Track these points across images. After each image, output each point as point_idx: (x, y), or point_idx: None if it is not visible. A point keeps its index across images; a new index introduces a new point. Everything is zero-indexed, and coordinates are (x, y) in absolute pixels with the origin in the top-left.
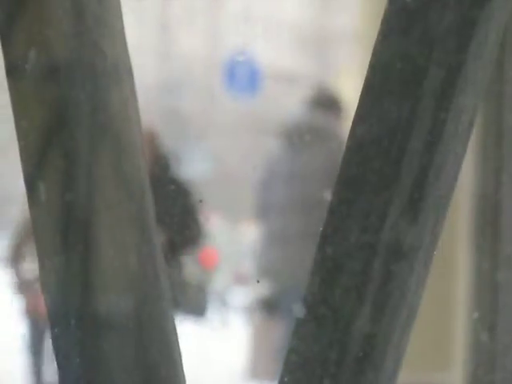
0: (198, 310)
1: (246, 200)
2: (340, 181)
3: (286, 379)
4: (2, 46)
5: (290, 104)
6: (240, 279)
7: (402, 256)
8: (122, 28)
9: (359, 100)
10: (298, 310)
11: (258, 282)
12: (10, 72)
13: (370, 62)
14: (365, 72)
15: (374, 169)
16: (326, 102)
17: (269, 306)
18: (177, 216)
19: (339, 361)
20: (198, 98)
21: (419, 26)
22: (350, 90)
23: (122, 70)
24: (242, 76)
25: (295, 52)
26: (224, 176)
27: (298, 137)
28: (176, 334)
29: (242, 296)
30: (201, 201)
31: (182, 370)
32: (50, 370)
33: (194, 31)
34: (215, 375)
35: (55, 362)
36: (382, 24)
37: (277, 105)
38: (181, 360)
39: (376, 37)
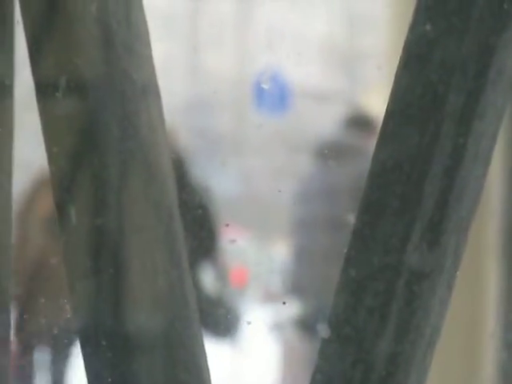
0: (227, 329)
1: (277, 219)
2: (363, 204)
3: None
4: (32, 70)
5: (320, 122)
6: (270, 298)
7: (424, 277)
8: (150, 54)
9: (382, 125)
10: (323, 331)
11: (284, 303)
12: (40, 97)
13: (392, 89)
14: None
15: (396, 193)
16: (360, 122)
17: (299, 325)
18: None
19: (363, 380)
20: (228, 117)
21: (439, 54)
22: (378, 107)
23: (150, 96)
24: (272, 94)
25: (324, 70)
26: (254, 194)
27: (331, 155)
28: (205, 354)
29: (272, 315)
30: (227, 225)
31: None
32: None
33: (223, 50)
34: None
35: (86, 382)
36: (403, 52)
37: (306, 123)
38: (210, 380)
39: (398, 64)
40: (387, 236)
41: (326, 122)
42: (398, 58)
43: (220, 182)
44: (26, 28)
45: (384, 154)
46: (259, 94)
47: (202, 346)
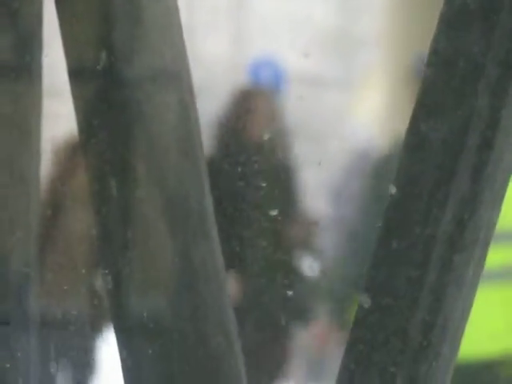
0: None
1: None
2: (402, 176)
3: (352, 367)
4: (65, 48)
5: (315, 106)
6: None
7: (460, 248)
8: (180, 30)
9: (418, 98)
10: (363, 300)
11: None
12: (73, 74)
13: (429, 61)
14: (389, 74)
15: (435, 164)
16: None
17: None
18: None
19: (402, 348)
20: (223, 100)
21: (478, 26)
22: (375, 91)
23: (181, 71)
24: (266, 78)
25: (320, 55)
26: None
27: None
28: (235, 331)
29: None
30: None
31: (242, 362)
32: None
33: (218, 34)
34: None
35: (120, 358)
36: (441, 23)
37: (301, 107)
38: (240, 354)
39: (433, 36)
40: (427, 207)
41: (321, 107)
42: (395, 41)
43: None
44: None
45: (424, 126)
46: (254, 79)
47: (233, 320)
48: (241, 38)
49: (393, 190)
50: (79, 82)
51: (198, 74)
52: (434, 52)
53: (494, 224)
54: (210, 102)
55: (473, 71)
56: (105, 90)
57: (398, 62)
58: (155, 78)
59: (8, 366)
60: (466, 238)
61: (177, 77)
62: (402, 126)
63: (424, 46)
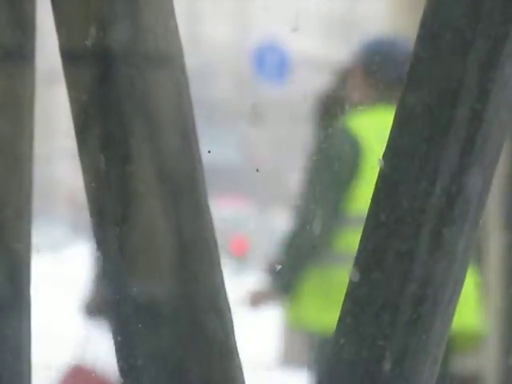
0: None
1: (277, 187)
2: (391, 149)
3: (341, 341)
4: (59, 37)
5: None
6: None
7: (451, 221)
8: (172, 6)
9: (409, 71)
10: (353, 274)
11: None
12: (66, 63)
13: (419, 34)
14: None
15: (424, 137)
16: None
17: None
18: None
19: (392, 322)
20: (228, 85)
21: (466, 1)
22: None
23: (173, 54)
24: (272, 62)
25: (324, 38)
26: (254, 163)
27: None
28: (228, 303)
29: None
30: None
31: (235, 339)
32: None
33: (223, 18)
34: (247, 363)
35: (112, 333)
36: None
37: (306, 91)
38: (233, 330)
39: (424, 9)
40: (416, 180)
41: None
42: (398, 24)
43: (220, 149)
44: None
45: (412, 99)
46: (259, 62)
47: (226, 296)
48: (245, 24)
49: (382, 163)
50: (71, 59)
51: (203, 59)
52: (423, 25)
53: (485, 198)
54: (214, 87)
55: (461, 44)
56: (97, 67)
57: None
58: (148, 55)
59: None
60: (455, 212)
61: (169, 54)
62: None
63: None
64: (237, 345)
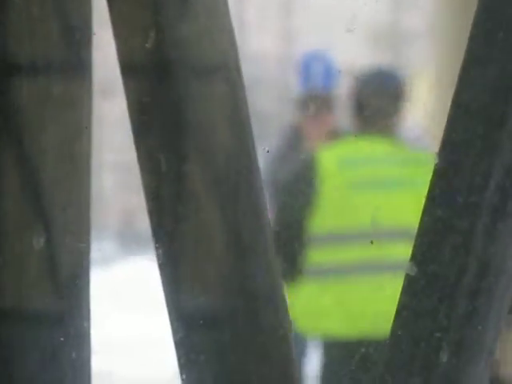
0: None
1: None
2: (446, 145)
3: (399, 334)
4: (115, 32)
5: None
6: None
7: (505, 215)
8: (228, 12)
9: (462, 69)
10: (409, 268)
11: None
12: (123, 56)
13: (472, 33)
14: (438, 67)
15: (479, 133)
16: None
17: None
18: None
19: (449, 315)
20: (274, 96)
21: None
22: (424, 85)
23: (229, 54)
24: (318, 73)
25: (370, 49)
26: None
27: None
28: (286, 304)
29: None
30: (268, 151)
31: (292, 338)
32: None
33: (268, 29)
34: None
35: (172, 331)
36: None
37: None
38: (291, 330)
39: (476, 9)
40: (471, 175)
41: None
42: (444, 35)
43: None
44: None
45: (466, 96)
46: (305, 73)
47: (283, 293)
48: (291, 34)
49: (437, 159)
50: (130, 62)
51: (249, 70)
52: (476, 25)
53: None
54: (261, 98)
55: None
56: (155, 70)
57: (449, 55)
58: (204, 58)
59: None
60: (509, 206)
61: (225, 57)
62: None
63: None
64: (293, 345)
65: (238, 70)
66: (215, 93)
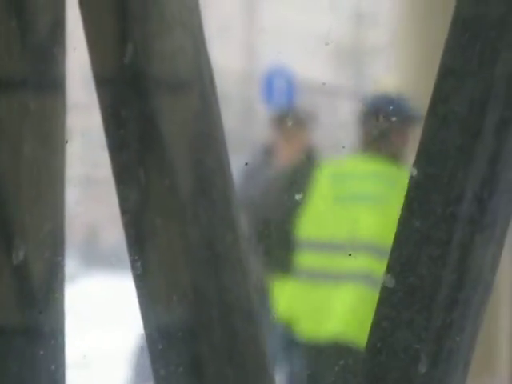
0: None
1: None
2: (422, 156)
3: (378, 345)
4: (89, 46)
5: (327, 116)
6: None
7: (482, 227)
8: (201, 24)
9: (437, 80)
10: (388, 280)
11: None
12: (98, 69)
13: (447, 44)
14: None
15: (455, 144)
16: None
17: None
18: None
19: (427, 326)
20: (236, 112)
21: (495, 13)
22: None
23: (202, 65)
24: (279, 89)
25: (331, 64)
26: None
27: None
28: (259, 316)
29: None
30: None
31: (267, 348)
32: None
33: (230, 45)
34: None
35: (147, 341)
36: (457, 9)
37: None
38: (265, 339)
39: (451, 22)
40: (448, 186)
41: (332, 115)
42: (405, 51)
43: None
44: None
45: (443, 108)
46: (267, 89)
47: (257, 308)
48: (254, 50)
49: (414, 171)
50: (104, 76)
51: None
52: (452, 37)
53: (511, 211)
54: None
55: (490, 55)
56: (129, 83)
57: (411, 70)
58: (178, 72)
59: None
60: (486, 218)
61: (199, 72)
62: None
63: (436, 55)
64: (269, 354)
65: (212, 84)
66: (190, 107)
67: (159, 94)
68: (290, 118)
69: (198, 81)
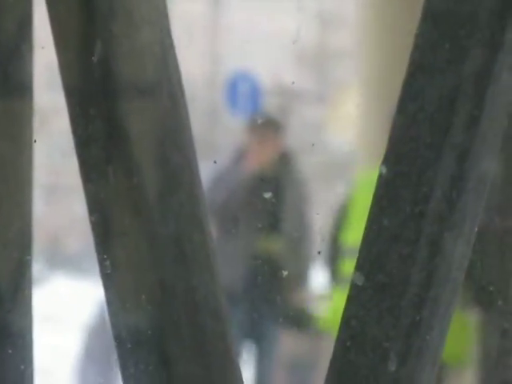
0: None
1: None
2: (391, 155)
3: (348, 344)
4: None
5: (293, 120)
6: None
7: (450, 225)
8: (168, 25)
9: (406, 78)
10: (357, 278)
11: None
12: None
13: (416, 43)
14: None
15: (425, 142)
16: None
17: None
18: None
19: (396, 324)
20: (200, 117)
21: (466, 9)
22: (350, 104)
23: (170, 66)
24: (243, 94)
25: (296, 69)
26: None
27: None
28: (228, 315)
29: None
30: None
31: (235, 349)
32: None
33: (194, 50)
34: None
35: (116, 342)
36: (426, 6)
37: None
38: (233, 341)
39: (420, 18)
40: (417, 185)
41: (297, 119)
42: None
43: None
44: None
45: (412, 106)
46: (231, 94)
47: (225, 307)
48: (217, 55)
49: (383, 169)
50: (72, 77)
51: None
52: (421, 35)
53: (479, 209)
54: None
55: (459, 53)
56: (98, 83)
57: (373, 75)
58: (146, 72)
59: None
60: (455, 216)
61: (167, 72)
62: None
63: (399, 58)
64: (236, 352)
65: (179, 84)
66: (158, 107)
67: (127, 93)
68: (263, 122)
69: (166, 80)
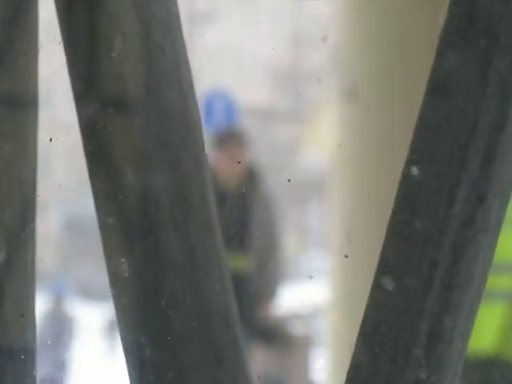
0: None
1: None
2: (425, 156)
3: (376, 350)
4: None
5: (267, 138)
6: None
7: (473, 232)
8: (180, 27)
9: (429, 86)
10: (387, 283)
11: None
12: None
13: (435, 64)
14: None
15: (459, 144)
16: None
17: None
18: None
19: (430, 331)
20: None
21: (483, 38)
22: (324, 123)
23: (181, 68)
24: (219, 112)
25: (271, 87)
26: None
27: None
28: (239, 327)
29: None
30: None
31: (245, 355)
32: None
33: None
34: None
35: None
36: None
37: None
38: (244, 347)
39: (439, 41)
40: (450, 187)
41: (272, 137)
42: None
43: None
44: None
45: (435, 112)
46: (206, 111)
47: (236, 316)
48: (194, 73)
49: (414, 171)
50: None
51: None
52: (438, 56)
53: (503, 215)
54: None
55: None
56: (109, 87)
57: (352, 93)
58: (157, 74)
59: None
60: (476, 223)
61: (178, 72)
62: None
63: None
64: (247, 360)
65: (190, 85)
66: (171, 110)
67: (137, 92)
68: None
69: (177, 81)
